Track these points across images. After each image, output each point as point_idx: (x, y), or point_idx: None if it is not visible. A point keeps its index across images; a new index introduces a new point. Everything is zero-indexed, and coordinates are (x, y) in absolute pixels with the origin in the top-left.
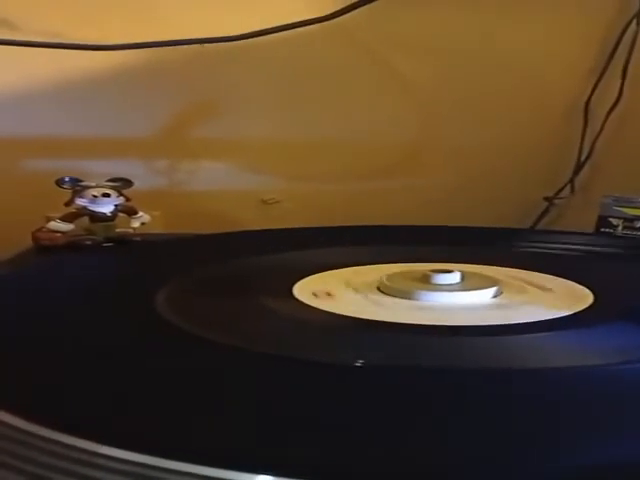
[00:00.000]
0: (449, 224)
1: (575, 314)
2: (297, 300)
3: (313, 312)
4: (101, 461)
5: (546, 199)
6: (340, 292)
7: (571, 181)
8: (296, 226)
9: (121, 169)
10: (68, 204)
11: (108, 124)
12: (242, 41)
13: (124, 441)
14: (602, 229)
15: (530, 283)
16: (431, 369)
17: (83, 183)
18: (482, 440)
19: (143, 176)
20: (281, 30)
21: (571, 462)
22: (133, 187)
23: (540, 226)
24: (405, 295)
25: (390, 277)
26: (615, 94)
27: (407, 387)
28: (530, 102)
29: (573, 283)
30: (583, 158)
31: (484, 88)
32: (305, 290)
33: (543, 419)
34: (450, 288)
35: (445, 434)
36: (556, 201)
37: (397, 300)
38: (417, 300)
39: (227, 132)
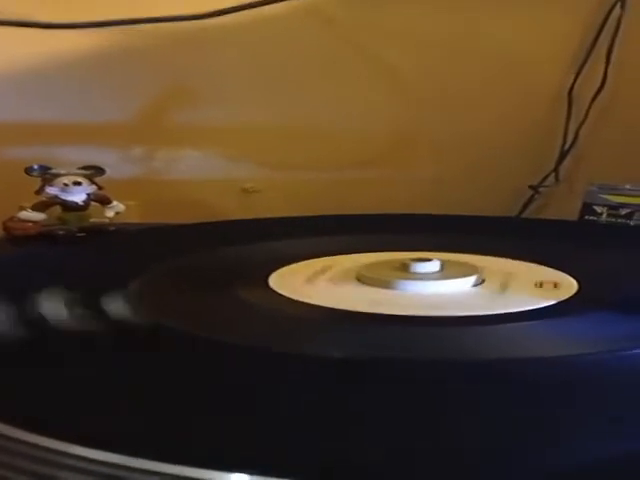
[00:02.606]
0: (432, 213)
1: (559, 303)
2: (272, 290)
3: (288, 303)
4: (73, 462)
5: (531, 187)
6: (317, 282)
7: (555, 169)
8: (278, 215)
9: (95, 157)
10: (38, 192)
11: (81, 109)
12: (219, 21)
13: (95, 441)
14: (586, 217)
15: (513, 271)
16: (411, 360)
17: (53, 171)
18: (465, 432)
19: (118, 164)
20: (256, 6)
21: (555, 455)
22: (108, 176)
23: (525, 215)
24: (383, 284)
25: (369, 266)
26: (599, 81)
27: (387, 379)
28: (513, 91)
29: (557, 271)
30: (567, 146)
31: (467, 78)
32: (282, 280)
33: (526, 410)
34: (429, 277)
35: (427, 428)
36: (541, 189)
37: (375, 289)
38: (395, 289)
39: (206, 118)
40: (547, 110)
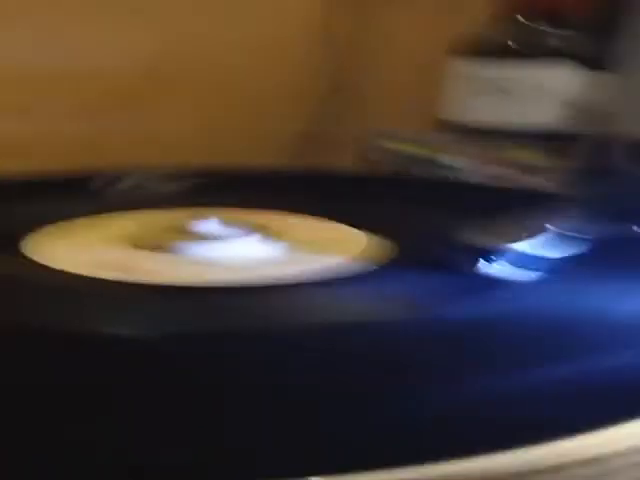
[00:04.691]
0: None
1: (354, 262)
2: (24, 257)
3: (43, 271)
4: None
5: (301, 134)
6: (80, 247)
7: (324, 113)
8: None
9: None
10: None
11: None
12: None
13: None
14: (364, 165)
15: (301, 228)
16: (194, 335)
17: None
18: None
19: None
20: None
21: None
22: None
23: (299, 164)
24: (157, 248)
25: (139, 227)
26: None
27: (168, 358)
28: (266, 31)
29: (350, 227)
30: (333, 87)
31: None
32: (36, 245)
33: (332, 380)
34: (210, 237)
35: (219, 407)
36: (313, 135)
37: (147, 254)
38: (173, 253)
39: None
40: (304, 46)
